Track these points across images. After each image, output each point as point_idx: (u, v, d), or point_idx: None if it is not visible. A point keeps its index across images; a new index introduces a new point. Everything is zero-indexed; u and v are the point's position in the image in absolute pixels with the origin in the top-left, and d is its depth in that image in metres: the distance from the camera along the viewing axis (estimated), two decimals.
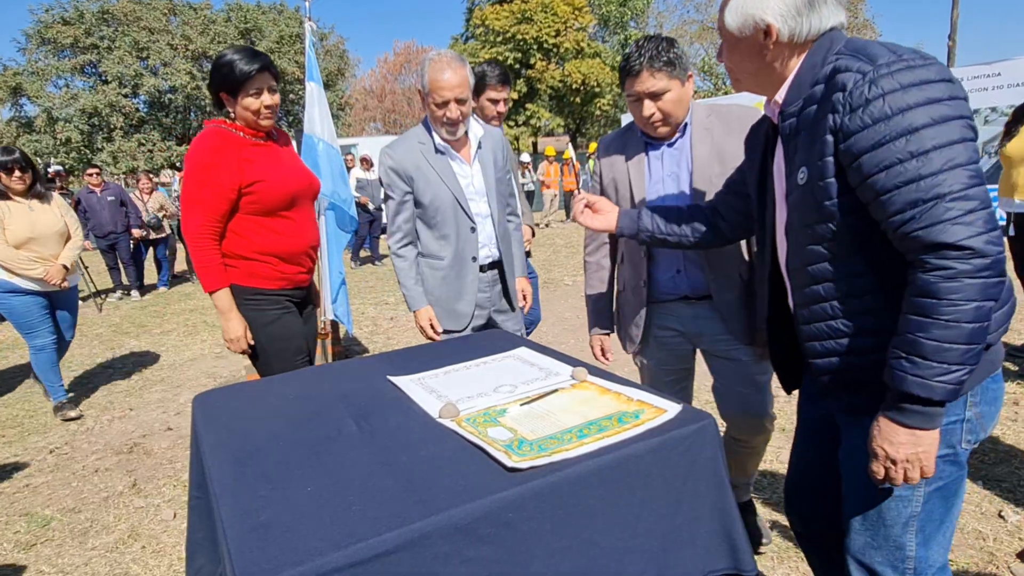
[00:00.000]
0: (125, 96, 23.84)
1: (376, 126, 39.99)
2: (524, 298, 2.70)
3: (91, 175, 8.38)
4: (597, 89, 28.01)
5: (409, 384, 1.67)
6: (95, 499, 3.08)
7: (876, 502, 1.31)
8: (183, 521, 2.80)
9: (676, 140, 1.98)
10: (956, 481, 1.29)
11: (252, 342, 2.39)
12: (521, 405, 1.47)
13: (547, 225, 14.93)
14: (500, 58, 26.06)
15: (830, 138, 1.16)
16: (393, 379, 1.71)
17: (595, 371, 1.67)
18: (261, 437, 1.40)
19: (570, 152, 16.01)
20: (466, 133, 2.46)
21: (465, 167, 2.46)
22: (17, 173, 3.81)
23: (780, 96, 1.30)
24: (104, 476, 3.34)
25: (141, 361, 5.66)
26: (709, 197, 1.87)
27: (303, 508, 1.09)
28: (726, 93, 26.24)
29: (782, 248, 1.41)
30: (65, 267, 4.01)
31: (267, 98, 2.28)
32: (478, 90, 2.90)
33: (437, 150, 2.40)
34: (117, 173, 22.84)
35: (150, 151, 24.15)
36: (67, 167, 21.21)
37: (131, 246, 8.67)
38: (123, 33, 23.49)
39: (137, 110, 24.61)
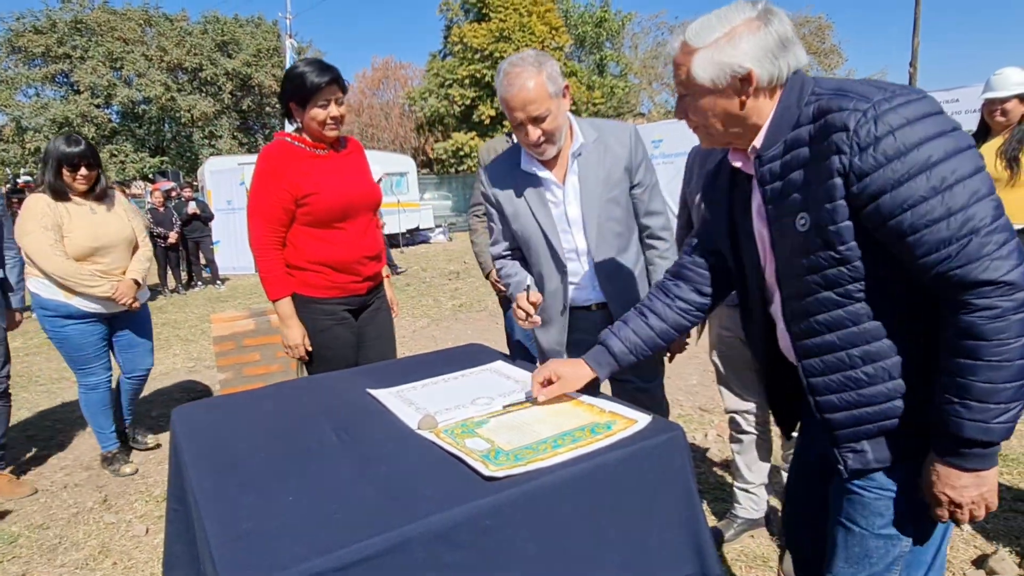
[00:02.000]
0: (97, 106, 23.56)
1: None
2: None
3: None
4: (573, 108, 28.31)
5: (388, 397, 1.70)
6: (64, 515, 3.04)
7: (862, 541, 1.27)
8: (155, 536, 2.77)
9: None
10: (944, 526, 1.26)
11: (310, 348, 2.46)
12: (500, 414, 1.52)
13: None
14: (478, 75, 26.32)
15: (839, 180, 1.09)
16: (372, 392, 1.74)
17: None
18: (243, 448, 1.43)
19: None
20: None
21: (558, 191, 2.00)
22: (83, 170, 3.05)
23: (758, 142, 1.23)
24: (73, 492, 3.29)
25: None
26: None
27: (286, 516, 1.12)
28: None
29: (775, 298, 1.34)
30: (136, 282, 3.30)
31: (333, 109, 2.33)
32: None
33: (524, 172, 2.01)
34: None
35: (122, 162, 23.82)
36: (36, 178, 20.79)
37: None
38: (97, 43, 23.25)
39: (110, 120, 24.32)
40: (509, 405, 1.59)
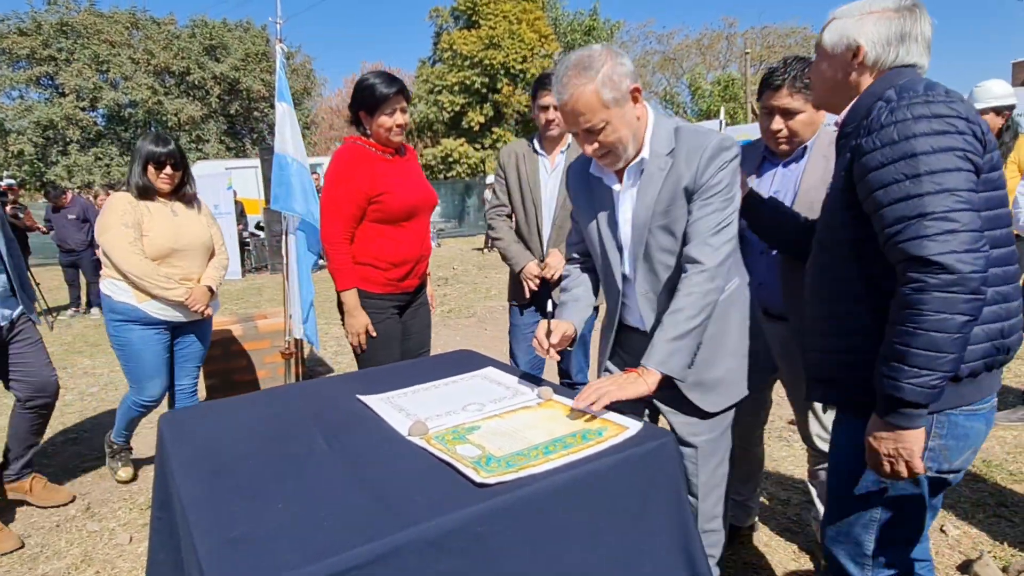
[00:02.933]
0: (83, 109, 23.32)
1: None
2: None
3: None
4: None
5: (378, 403, 1.69)
6: (46, 523, 2.98)
7: (844, 500, 1.45)
8: (139, 545, 2.73)
9: (791, 162, 2.03)
10: (913, 499, 1.38)
11: (374, 334, 2.60)
12: (493, 418, 1.51)
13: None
14: (467, 82, 26.37)
15: (848, 155, 1.31)
16: (363, 398, 1.73)
17: (560, 390, 1.73)
18: (231, 455, 1.41)
19: None
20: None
21: (624, 205, 1.72)
22: (169, 169, 2.97)
23: (841, 116, 1.42)
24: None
25: (95, 381, 5.50)
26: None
27: (275, 523, 1.11)
28: (687, 121, 26.96)
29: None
30: (210, 290, 3.14)
31: (399, 117, 2.52)
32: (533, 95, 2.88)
33: (594, 176, 1.77)
34: (71, 188, 22.23)
35: (107, 166, 23.58)
36: (19, 180, 20.55)
37: (95, 263, 8.46)
38: (83, 46, 23.04)
39: (95, 124, 24.08)
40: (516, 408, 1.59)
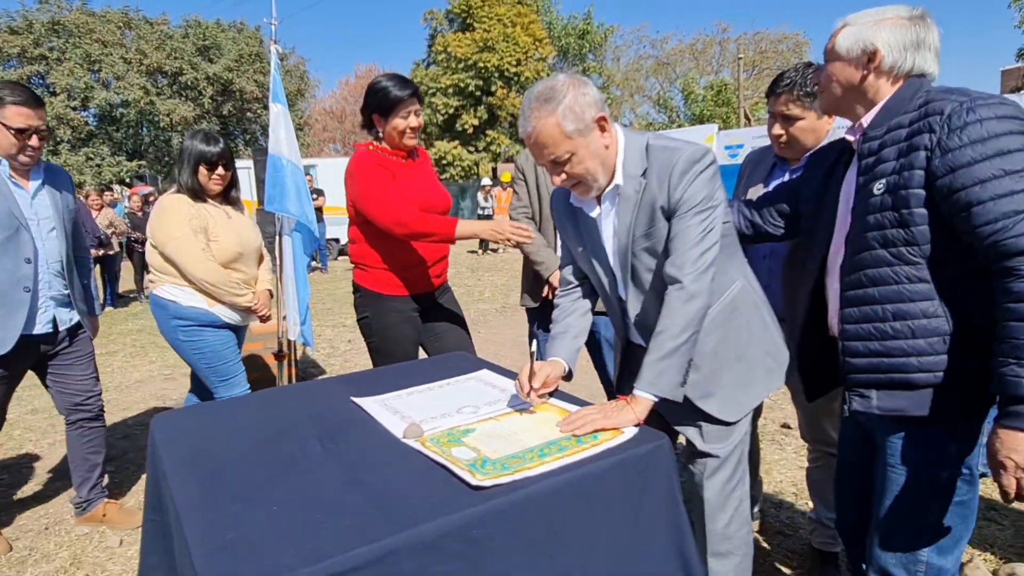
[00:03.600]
0: (74, 109, 23.16)
1: (335, 147, 39.78)
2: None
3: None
4: None
5: (373, 405, 1.69)
6: (35, 526, 2.96)
7: (900, 510, 1.42)
8: (130, 548, 2.71)
9: (799, 168, 2.06)
10: (972, 499, 1.41)
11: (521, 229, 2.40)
12: (487, 421, 1.51)
13: (495, 251, 15.32)
14: (461, 85, 26.39)
15: (923, 153, 1.29)
16: (357, 400, 1.73)
17: (555, 393, 1.73)
18: (225, 457, 1.40)
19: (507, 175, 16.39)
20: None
21: (607, 232, 1.70)
22: (220, 170, 2.84)
23: (867, 120, 1.44)
24: (45, 502, 3.20)
25: None
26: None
27: (270, 526, 1.11)
28: (679, 126, 27.12)
29: (838, 255, 1.52)
30: (270, 293, 3.08)
31: (413, 120, 2.49)
32: None
33: (573, 206, 1.75)
34: None
35: (98, 166, 23.44)
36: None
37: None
38: (74, 45, 22.89)
39: (86, 123, 23.92)
40: (503, 412, 1.59)
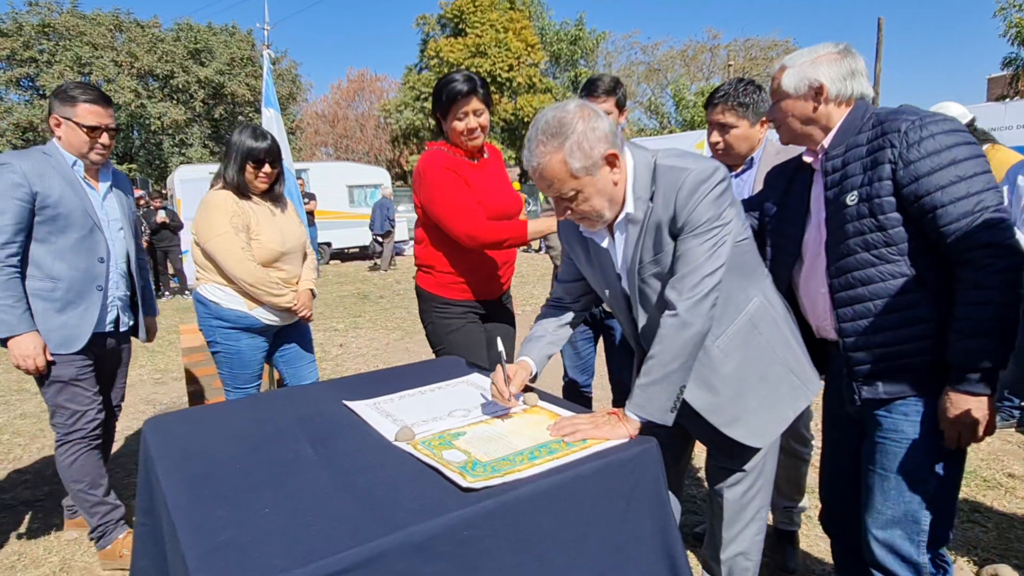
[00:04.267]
0: None
1: (327, 151, 39.69)
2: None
3: None
4: None
5: (365, 408, 1.70)
6: (23, 531, 2.94)
7: (900, 484, 1.56)
8: None
9: (742, 172, 2.26)
10: (958, 471, 1.59)
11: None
12: (478, 424, 1.53)
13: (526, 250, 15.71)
14: None
15: (888, 166, 1.47)
16: (348, 404, 1.74)
17: (545, 396, 1.75)
18: (217, 460, 1.41)
19: (518, 184, 16.46)
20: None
21: (619, 257, 1.65)
22: (267, 167, 2.74)
23: (827, 142, 1.62)
24: (34, 507, 3.18)
25: None
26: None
27: (262, 528, 1.12)
28: (671, 132, 27.27)
29: (815, 262, 1.67)
30: (312, 292, 2.98)
31: (471, 120, 2.36)
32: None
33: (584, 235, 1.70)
34: None
35: None
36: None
37: None
38: (65, 47, 22.77)
39: None
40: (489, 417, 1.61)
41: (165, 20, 28.19)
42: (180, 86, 24.67)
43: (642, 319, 1.64)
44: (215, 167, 2.97)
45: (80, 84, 2.47)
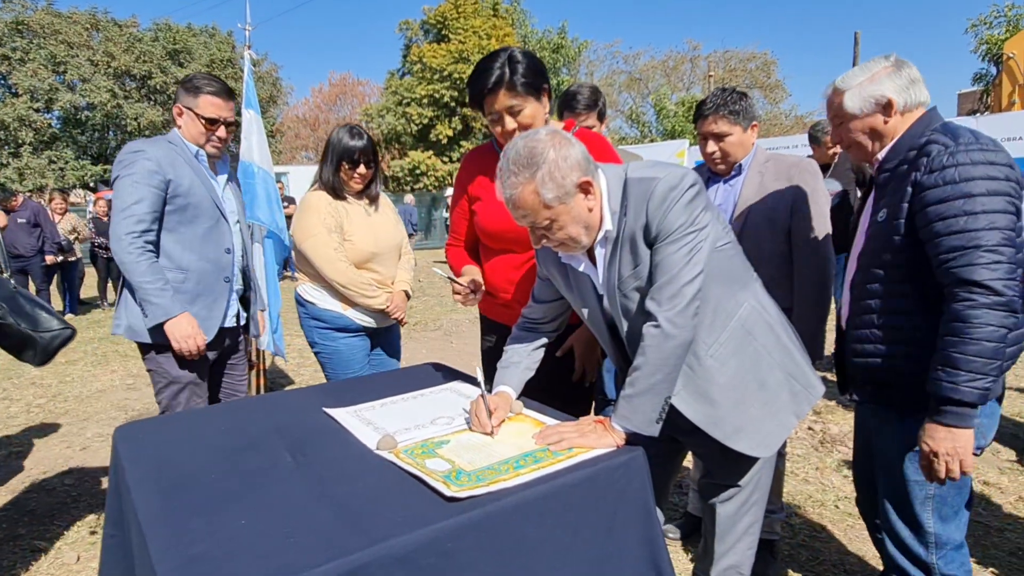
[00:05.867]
0: (37, 111, 22.56)
1: (308, 155, 39.38)
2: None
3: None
4: None
5: (346, 416, 1.66)
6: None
7: (900, 485, 1.64)
8: (87, 564, 2.62)
9: (731, 179, 2.27)
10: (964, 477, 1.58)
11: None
12: (462, 433, 1.50)
13: None
14: (436, 95, 26.39)
15: (909, 188, 1.51)
16: (329, 411, 1.70)
17: (530, 404, 1.72)
18: (192, 470, 1.36)
19: None
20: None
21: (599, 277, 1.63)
22: (362, 168, 2.68)
23: (880, 155, 1.64)
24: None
25: (42, 392, 5.28)
26: (746, 229, 2.18)
27: (237, 541, 1.08)
28: (652, 141, 27.51)
29: (850, 270, 1.76)
30: (407, 294, 2.87)
31: (509, 122, 1.89)
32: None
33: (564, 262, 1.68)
34: (23, 191, 21.44)
35: (61, 169, 22.84)
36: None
37: (44, 270, 8.14)
38: (39, 46, 22.33)
39: (50, 126, 23.30)
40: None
41: (143, 20, 27.86)
42: (158, 87, 24.32)
43: (627, 334, 1.61)
44: None
45: (206, 76, 2.42)
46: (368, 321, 2.75)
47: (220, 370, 2.64)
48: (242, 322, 2.63)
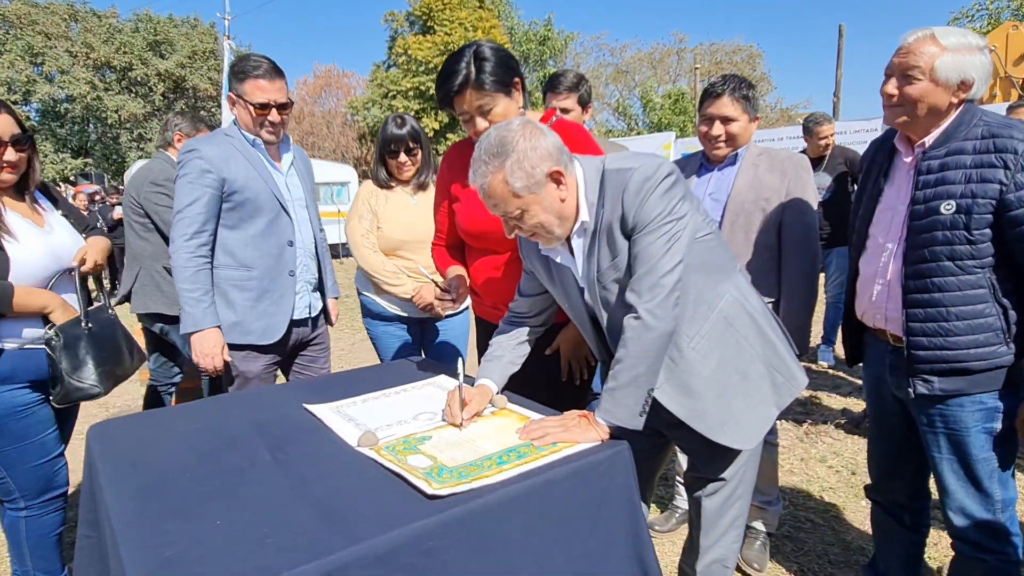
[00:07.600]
0: (15, 103, 22.17)
1: None
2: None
3: None
4: None
5: (326, 412, 1.63)
6: None
7: (968, 466, 1.71)
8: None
9: (725, 167, 2.25)
10: (1016, 443, 1.71)
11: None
12: (444, 428, 1.48)
13: None
14: (422, 87, 26.25)
15: (996, 186, 1.51)
16: (309, 407, 1.67)
17: (514, 399, 1.71)
18: (167, 469, 1.33)
19: None
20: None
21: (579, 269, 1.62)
22: (402, 156, 2.69)
23: (929, 140, 1.62)
24: None
25: None
26: (738, 219, 2.19)
27: (213, 543, 1.05)
28: (638, 134, 27.54)
29: (885, 255, 1.75)
30: (438, 286, 2.90)
31: (480, 122, 1.85)
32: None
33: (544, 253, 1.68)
34: None
35: (40, 162, 22.49)
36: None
37: None
38: (15, 36, 21.93)
39: (28, 118, 22.91)
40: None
41: (123, 11, 27.42)
42: (139, 79, 24.01)
43: (608, 326, 1.60)
44: None
45: (251, 57, 2.29)
46: (398, 309, 2.74)
47: (294, 361, 2.58)
48: (314, 313, 2.52)
